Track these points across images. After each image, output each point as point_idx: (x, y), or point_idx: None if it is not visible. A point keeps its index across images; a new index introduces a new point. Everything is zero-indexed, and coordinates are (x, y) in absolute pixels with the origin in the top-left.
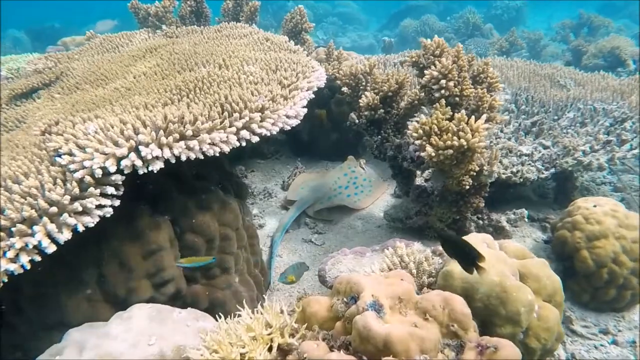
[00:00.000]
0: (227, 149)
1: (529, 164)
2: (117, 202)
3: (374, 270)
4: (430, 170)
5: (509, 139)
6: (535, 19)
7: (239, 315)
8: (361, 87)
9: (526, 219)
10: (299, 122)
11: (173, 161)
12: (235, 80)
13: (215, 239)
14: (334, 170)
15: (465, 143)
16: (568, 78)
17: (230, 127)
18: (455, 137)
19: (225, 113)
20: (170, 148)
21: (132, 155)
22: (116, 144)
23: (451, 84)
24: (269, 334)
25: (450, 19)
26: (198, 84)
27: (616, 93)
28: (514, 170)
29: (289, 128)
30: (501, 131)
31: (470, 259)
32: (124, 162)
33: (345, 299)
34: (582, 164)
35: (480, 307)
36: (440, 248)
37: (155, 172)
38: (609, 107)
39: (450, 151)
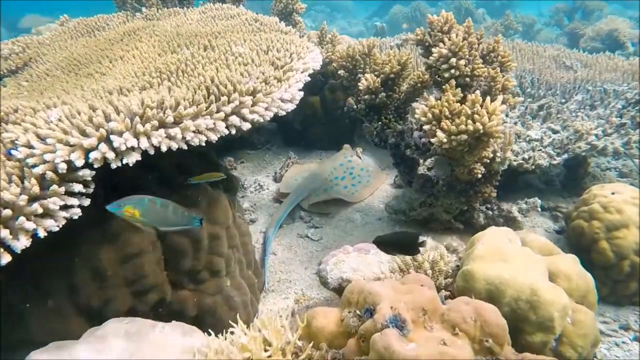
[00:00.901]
0: (214, 137)
1: (539, 150)
2: (86, 202)
3: (383, 271)
4: (432, 159)
5: (515, 123)
6: (526, 6)
7: (232, 333)
8: (359, 70)
9: (539, 209)
10: (295, 106)
11: (152, 152)
12: (222, 62)
13: (203, 239)
14: (329, 160)
15: (481, 127)
16: (574, 59)
17: (217, 112)
18: (469, 121)
19: (212, 97)
20: (148, 137)
21: (103, 146)
22: (84, 133)
23: (462, 62)
24: (268, 356)
25: (441, 4)
26: (180, 65)
27: (627, 74)
28: (525, 156)
29: (284, 113)
30: (506, 115)
31: (410, 243)
32: (93, 155)
33: (358, 312)
34: (597, 148)
35: (507, 312)
36: (455, 244)
37: (131, 165)
38: (620, 89)
39: (464, 136)
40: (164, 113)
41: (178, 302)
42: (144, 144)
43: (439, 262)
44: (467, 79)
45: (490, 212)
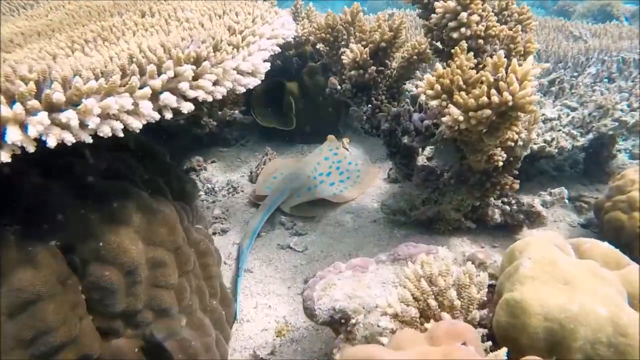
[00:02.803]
0: (137, 124)
1: (559, 130)
2: None
3: (390, 303)
4: (431, 148)
5: None
6: None
7: None
8: (342, 43)
9: (566, 200)
10: (259, 81)
11: (31, 150)
12: (161, 28)
13: (140, 268)
14: (312, 154)
15: (510, 98)
16: (582, 29)
17: (142, 87)
18: (493, 91)
19: (134, 66)
20: (21, 125)
21: None
22: None
23: (475, 18)
24: None
25: None
26: (102, 33)
27: None
28: (547, 138)
29: (242, 90)
30: None
31: None
32: None
33: None
34: (627, 125)
35: None
36: (481, 256)
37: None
38: None
39: (487, 112)
40: (51, 89)
41: (112, 357)
42: (15, 136)
43: (468, 286)
44: (480, 41)
45: (507, 207)
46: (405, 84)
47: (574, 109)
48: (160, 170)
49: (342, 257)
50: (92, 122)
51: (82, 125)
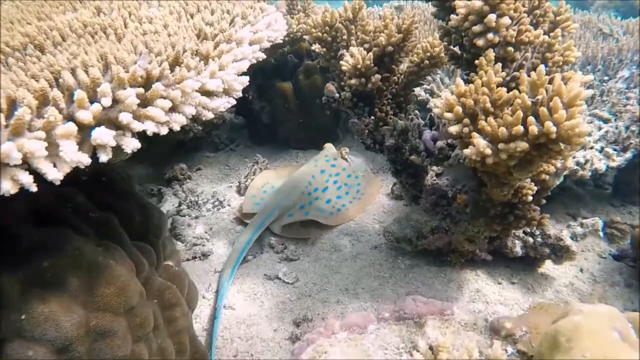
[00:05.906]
0: (55, 174)
1: (591, 148)
2: None
3: None
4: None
5: None
6: None
7: None
8: (341, 44)
9: (601, 233)
10: (230, 104)
11: None
12: (114, 31)
13: (76, 342)
14: (307, 164)
15: (553, 129)
16: (613, 24)
17: (63, 123)
18: (531, 119)
19: (56, 92)
20: None
21: None
22: None
23: (505, 21)
24: None
25: None
26: (36, 39)
27: None
28: (580, 159)
29: (210, 116)
30: None
31: None
32: None
33: None
34: None
35: None
36: (509, 325)
37: None
38: None
39: (523, 145)
40: None
41: None
42: None
43: None
44: (510, 49)
45: (530, 239)
46: (413, 91)
47: (606, 121)
48: (119, 201)
49: (338, 292)
50: None
51: None
